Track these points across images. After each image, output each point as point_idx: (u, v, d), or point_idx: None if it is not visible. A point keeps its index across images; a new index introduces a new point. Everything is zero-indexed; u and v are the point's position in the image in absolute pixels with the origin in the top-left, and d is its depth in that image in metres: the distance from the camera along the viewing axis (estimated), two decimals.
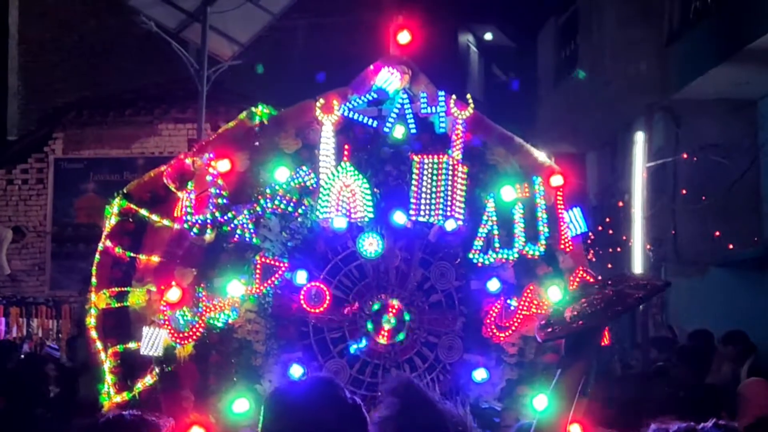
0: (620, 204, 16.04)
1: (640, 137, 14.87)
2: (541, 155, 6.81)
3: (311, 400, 3.67)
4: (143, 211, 6.36)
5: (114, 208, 6.45)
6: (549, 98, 21.00)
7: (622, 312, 4.46)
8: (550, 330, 4.83)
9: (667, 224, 15.63)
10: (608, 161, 19.29)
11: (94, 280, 6.30)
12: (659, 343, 13.60)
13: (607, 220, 15.96)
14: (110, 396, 6.06)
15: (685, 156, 14.86)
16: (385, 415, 4.26)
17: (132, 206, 6.38)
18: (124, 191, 6.50)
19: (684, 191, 15.27)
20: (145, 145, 20.84)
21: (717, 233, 14.60)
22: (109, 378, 6.10)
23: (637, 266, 14.34)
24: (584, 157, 20.52)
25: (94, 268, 6.35)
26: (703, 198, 14.58)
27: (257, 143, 6.30)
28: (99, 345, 6.19)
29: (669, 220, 15.65)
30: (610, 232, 15.55)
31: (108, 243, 6.33)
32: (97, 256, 6.38)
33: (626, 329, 15.63)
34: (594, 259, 11.72)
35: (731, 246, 14.56)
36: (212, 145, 6.39)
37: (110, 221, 6.43)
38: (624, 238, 15.17)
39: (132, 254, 6.27)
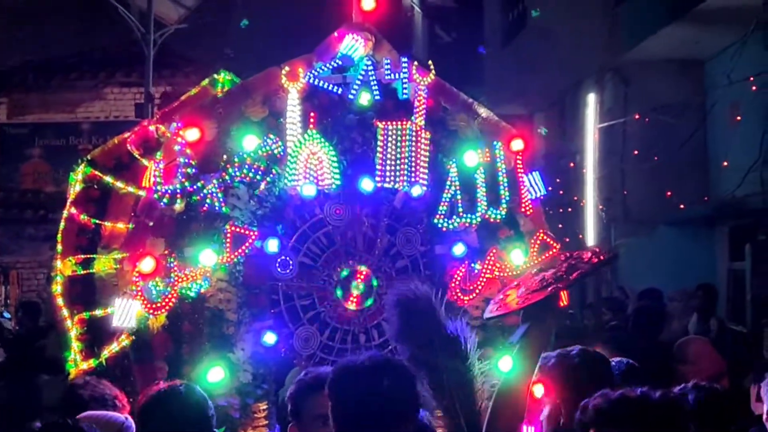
0: (571, 165, 16.17)
1: (591, 98, 14.98)
2: (501, 120, 6.88)
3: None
4: (108, 178, 6.32)
5: (78, 175, 6.39)
6: (496, 59, 21.07)
7: (565, 287, 4.60)
8: (497, 308, 4.95)
9: (617, 184, 15.78)
10: (556, 122, 19.41)
11: (59, 247, 6.27)
12: (611, 304, 13.79)
13: (557, 180, 16.09)
14: (77, 363, 6.04)
15: (637, 117, 14.99)
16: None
17: (96, 173, 6.33)
18: (89, 158, 6.44)
19: (635, 152, 15.41)
20: (90, 110, 20.72)
21: (668, 193, 14.77)
22: (75, 345, 6.08)
23: (589, 226, 14.50)
24: (532, 117, 20.64)
25: (59, 235, 6.31)
26: (656, 158, 14.72)
27: (221, 111, 6.25)
28: (65, 312, 6.16)
29: (619, 180, 15.80)
30: (561, 192, 15.67)
31: (73, 210, 6.30)
32: (62, 223, 6.34)
33: (577, 290, 15.81)
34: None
35: (683, 206, 14.74)
36: (176, 112, 6.37)
37: (75, 188, 6.38)
38: (575, 198, 15.31)
39: (97, 221, 6.25)
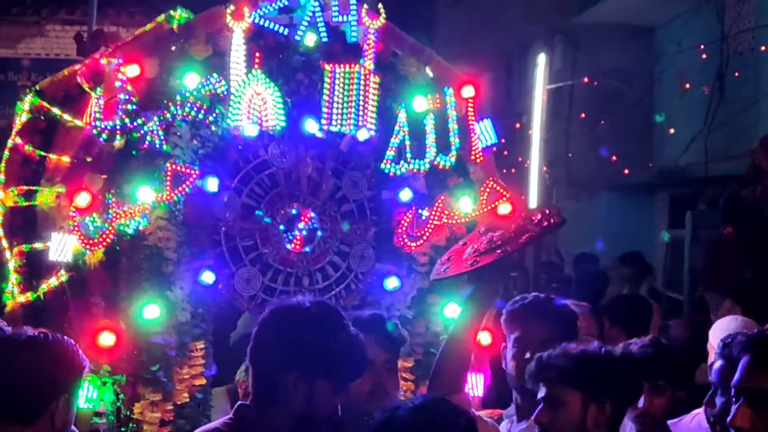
0: (517, 126, 16.20)
1: (541, 59, 14.99)
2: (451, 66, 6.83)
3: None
4: (55, 110, 6.23)
5: (25, 105, 6.28)
6: (447, 17, 21.02)
7: (513, 251, 4.60)
8: (444, 269, 4.95)
9: (562, 147, 15.86)
10: (503, 83, 19.44)
11: (2, 177, 6.18)
12: (547, 268, 13.90)
13: (502, 141, 16.08)
14: (14, 295, 6.00)
15: (586, 80, 15.03)
16: None
17: (44, 104, 6.23)
18: (37, 88, 6.32)
19: (582, 115, 15.48)
20: (31, 46, 20.44)
21: (612, 158, 14.86)
22: (13, 277, 6.03)
23: (533, 188, 14.55)
24: (479, 78, 20.62)
25: (2, 164, 6.22)
26: (602, 123, 14.80)
27: (173, 48, 6.17)
28: (5, 243, 6.10)
29: (564, 144, 15.88)
30: (506, 153, 15.69)
31: (18, 140, 6.20)
32: (6, 152, 6.25)
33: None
34: None
35: (626, 171, 14.85)
36: (129, 47, 6.25)
37: (21, 118, 6.27)
38: (519, 159, 15.34)
39: (42, 153, 6.17)
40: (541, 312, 5.08)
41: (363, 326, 4.45)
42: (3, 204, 6.12)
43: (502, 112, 18.20)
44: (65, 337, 4.20)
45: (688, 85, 14.17)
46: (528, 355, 4.68)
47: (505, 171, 15.54)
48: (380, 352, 4.93)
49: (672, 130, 14.71)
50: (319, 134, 6.39)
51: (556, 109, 15.64)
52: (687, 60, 13.72)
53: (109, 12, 19.17)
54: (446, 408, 3.39)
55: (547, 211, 4.96)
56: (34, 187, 6.09)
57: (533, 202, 14.51)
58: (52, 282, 5.86)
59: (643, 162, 15.08)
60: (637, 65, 14.88)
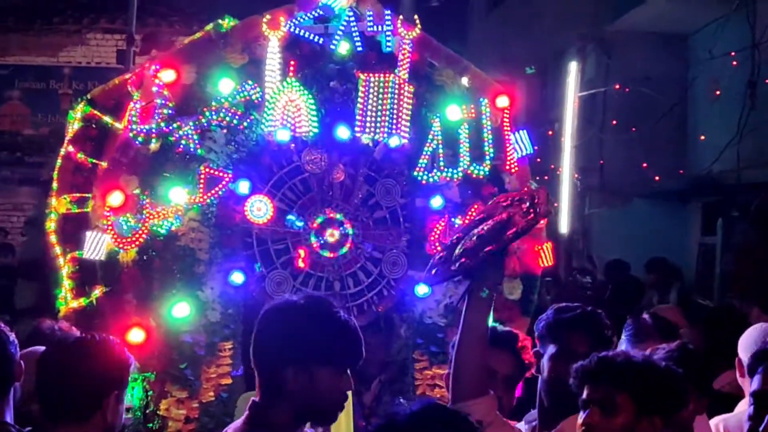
0: (550, 133, 16.21)
1: (573, 67, 15.04)
2: (488, 77, 6.88)
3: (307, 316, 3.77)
4: (106, 118, 6.34)
5: (77, 114, 6.40)
6: (481, 25, 21.08)
7: (499, 248, 4.47)
8: (436, 272, 4.85)
9: (595, 154, 15.84)
10: (538, 90, 19.43)
11: (55, 184, 6.30)
12: (580, 274, 13.87)
13: (536, 148, 16.07)
14: (67, 301, 6.10)
15: (616, 87, 15.03)
16: None
17: (95, 112, 6.35)
18: (88, 97, 6.45)
19: (614, 122, 15.46)
20: (72, 54, 20.61)
21: (644, 165, 14.84)
22: (66, 283, 6.13)
23: (565, 195, 14.58)
24: (515, 85, 20.61)
25: (55, 172, 6.34)
26: (633, 129, 14.78)
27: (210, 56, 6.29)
28: (58, 250, 6.20)
29: (596, 150, 15.86)
30: (539, 160, 15.70)
31: (70, 148, 6.31)
32: (59, 160, 6.36)
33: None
34: None
35: (657, 178, 14.82)
36: (179, 55, 6.38)
37: (73, 126, 6.39)
38: (552, 167, 15.36)
39: (94, 160, 6.27)
40: (589, 324, 4.92)
41: (497, 341, 4.63)
42: (56, 211, 6.23)
43: (536, 120, 18.22)
44: (111, 337, 4.37)
45: (718, 92, 14.14)
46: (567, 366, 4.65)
47: (538, 178, 15.60)
48: (506, 367, 5.03)
49: (703, 137, 14.68)
50: (352, 140, 6.46)
51: (589, 116, 15.65)
52: (719, 67, 13.69)
53: (149, 20, 19.37)
54: (444, 413, 3.38)
55: (535, 198, 4.60)
56: (86, 194, 6.19)
57: (564, 208, 14.54)
58: (105, 287, 5.99)
59: (676, 169, 15.04)
60: (670, 72, 14.84)
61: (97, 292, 6.00)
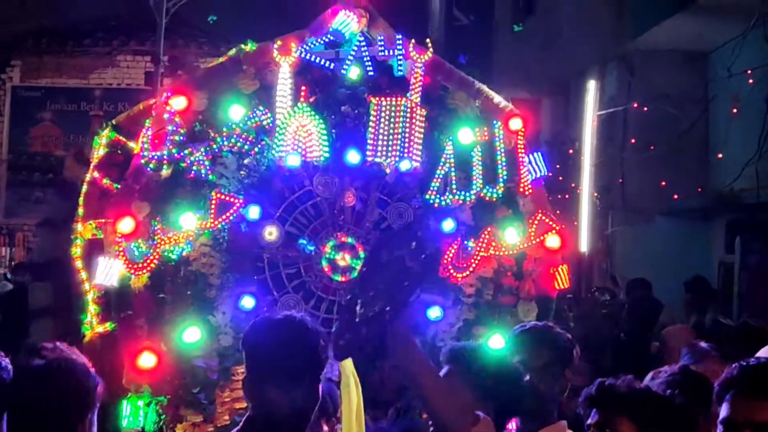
0: (570, 151, 16.21)
1: (592, 85, 15.04)
2: (501, 100, 6.88)
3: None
4: (131, 144, 6.44)
5: (103, 139, 6.51)
6: (506, 43, 21.11)
7: None
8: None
9: (616, 172, 15.81)
10: (562, 109, 19.42)
11: (81, 210, 6.38)
12: (599, 292, 13.81)
13: (557, 166, 16.11)
14: (92, 326, 6.15)
15: (635, 105, 15.02)
16: None
17: (120, 138, 6.48)
18: (113, 123, 6.58)
19: (633, 140, 15.44)
20: (103, 76, 20.81)
21: (664, 183, 14.81)
22: (92, 308, 6.19)
23: (584, 213, 14.56)
24: (540, 103, 20.65)
25: (81, 198, 6.42)
26: (652, 147, 14.75)
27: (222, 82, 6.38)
28: (83, 275, 6.27)
29: (617, 169, 15.83)
30: (560, 178, 15.69)
31: (96, 174, 6.42)
32: (85, 186, 6.45)
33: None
34: None
35: (677, 196, 14.78)
36: (191, 83, 6.49)
37: (98, 152, 6.50)
38: (573, 185, 15.34)
39: (119, 186, 6.33)
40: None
41: None
42: (82, 237, 6.30)
43: (557, 138, 18.18)
44: (77, 361, 4.12)
45: (735, 110, 14.11)
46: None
47: (559, 197, 15.63)
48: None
49: (721, 155, 14.64)
50: (363, 164, 6.51)
51: (609, 134, 15.64)
52: (738, 85, 13.67)
53: (178, 41, 19.56)
54: None
55: None
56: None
57: (584, 227, 14.52)
58: (129, 312, 6.05)
59: (698, 187, 14.99)
60: (690, 90, 14.81)
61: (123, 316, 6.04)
